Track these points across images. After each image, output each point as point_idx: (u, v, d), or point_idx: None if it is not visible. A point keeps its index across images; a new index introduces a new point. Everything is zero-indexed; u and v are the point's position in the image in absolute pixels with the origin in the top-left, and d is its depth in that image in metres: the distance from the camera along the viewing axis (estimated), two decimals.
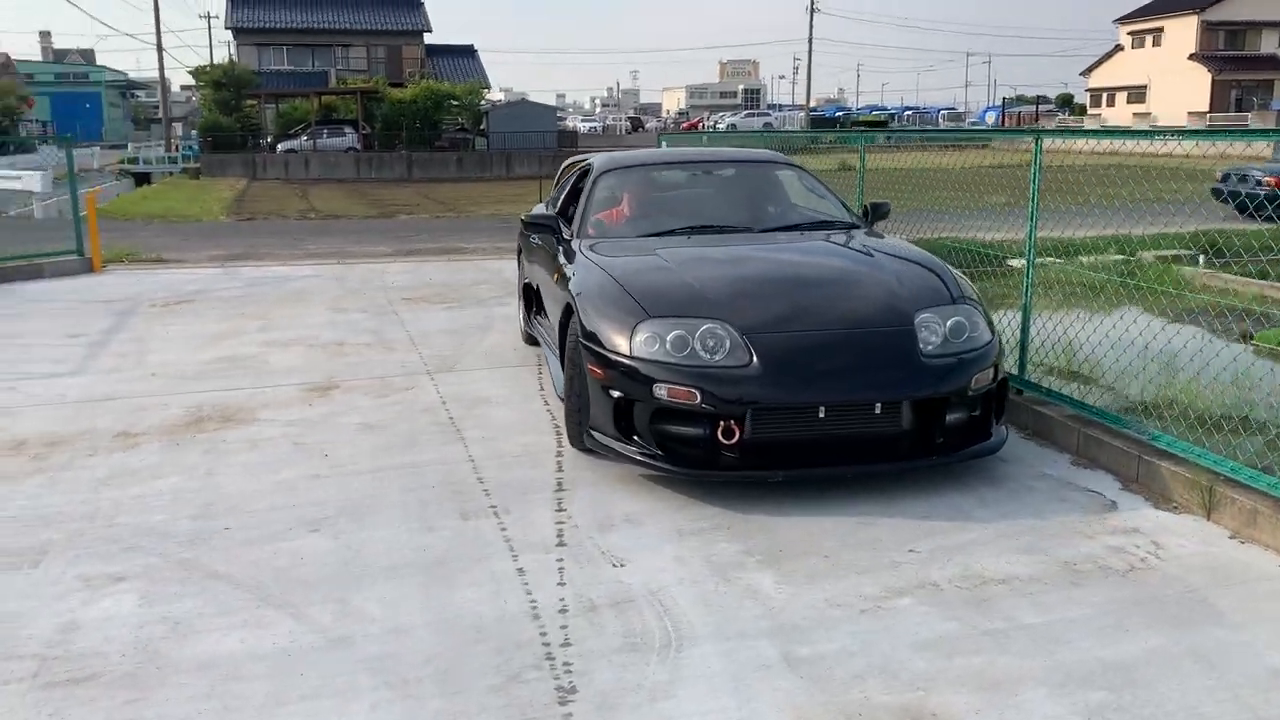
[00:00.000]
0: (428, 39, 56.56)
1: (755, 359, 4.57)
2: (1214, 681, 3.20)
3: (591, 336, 4.94)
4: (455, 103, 47.19)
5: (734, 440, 4.51)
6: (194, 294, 10.74)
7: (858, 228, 6.26)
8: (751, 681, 3.22)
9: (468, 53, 58.12)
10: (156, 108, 72.51)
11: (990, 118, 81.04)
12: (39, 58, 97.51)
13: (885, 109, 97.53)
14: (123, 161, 44.82)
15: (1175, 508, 4.56)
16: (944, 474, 4.92)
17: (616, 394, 4.73)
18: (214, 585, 3.93)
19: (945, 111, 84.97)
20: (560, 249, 6.16)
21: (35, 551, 4.26)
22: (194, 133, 52.14)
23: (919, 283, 5.17)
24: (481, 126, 47.93)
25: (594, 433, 4.92)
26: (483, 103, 49.89)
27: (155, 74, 55.84)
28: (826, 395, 4.56)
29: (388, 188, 36.71)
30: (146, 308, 9.97)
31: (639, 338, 4.70)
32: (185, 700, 3.15)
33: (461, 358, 7.66)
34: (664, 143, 13.84)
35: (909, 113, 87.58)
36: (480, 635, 3.52)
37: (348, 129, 45.70)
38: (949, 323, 4.83)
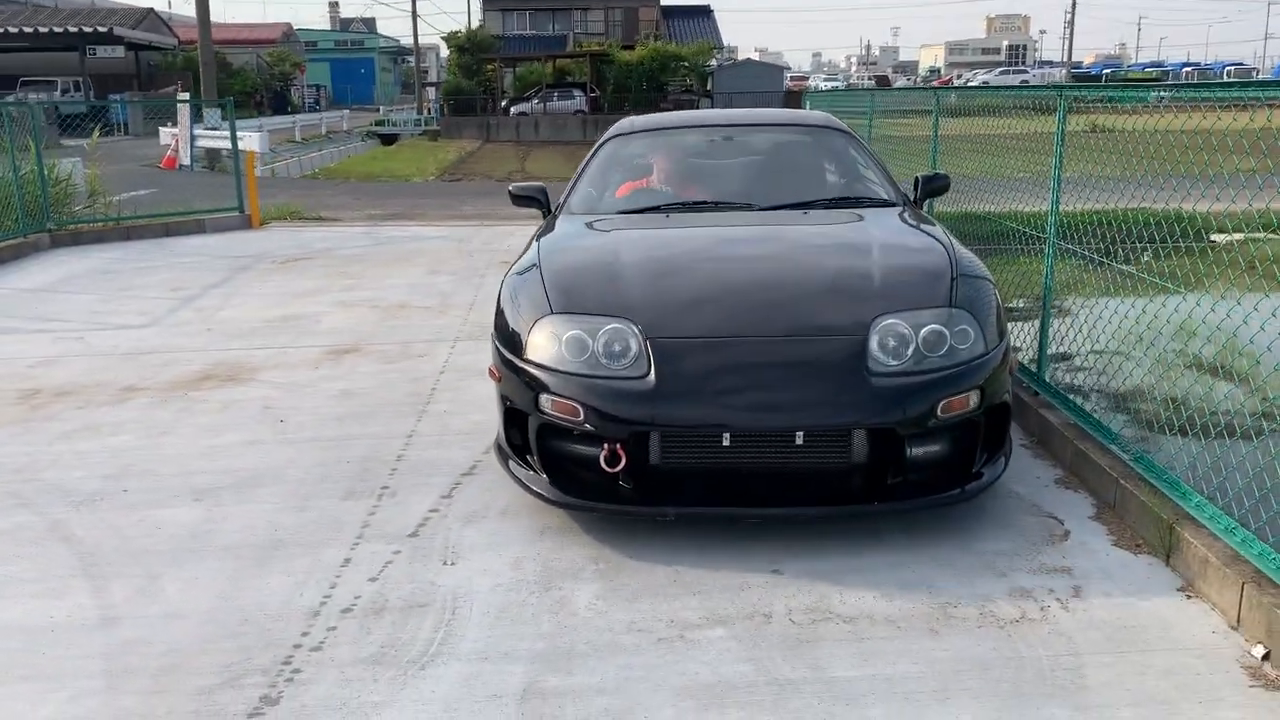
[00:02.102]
0: (665, 1, 56.66)
1: (652, 370, 3.76)
2: None
3: (499, 331, 4.26)
4: (683, 64, 47.04)
5: (619, 468, 3.74)
6: (317, 252, 11.13)
7: (892, 205, 5.24)
8: (461, 714, 2.86)
9: (703, 13, 57.81)
10: (425, 72, 77.02)
11: None
12: (328, 26, 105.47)
13: (1163, 65, 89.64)
14: (374, 124, 47.57)
15: (1138, 546, 3.76)
16: None
17: (509, 403, 4.08)
18: (56, 550, 3.94)
19: (1231, 67, 76.93)
20: (543, 224, 5.46)
21: None
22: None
23: (906, 279, 4.14)
24: (708, 87, 47.59)
25: (498, 445, 4.30)
26: (711, 63, 49.50)
27: (425, 40, 59.00)
28: (733, 418, 3.73)
29: None
30: (265, 264, 10.41)
31: (536, 337, 3.98)
32: None
33: None
34: (808, 104, 13.08)
35: (1187, 69, 79.95)
36: (242, 629, 3.33)
37: (576, 91, 46.54)
38: (924, 331, 3.81)
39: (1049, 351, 5.06)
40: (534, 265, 4.46)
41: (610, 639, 3.23)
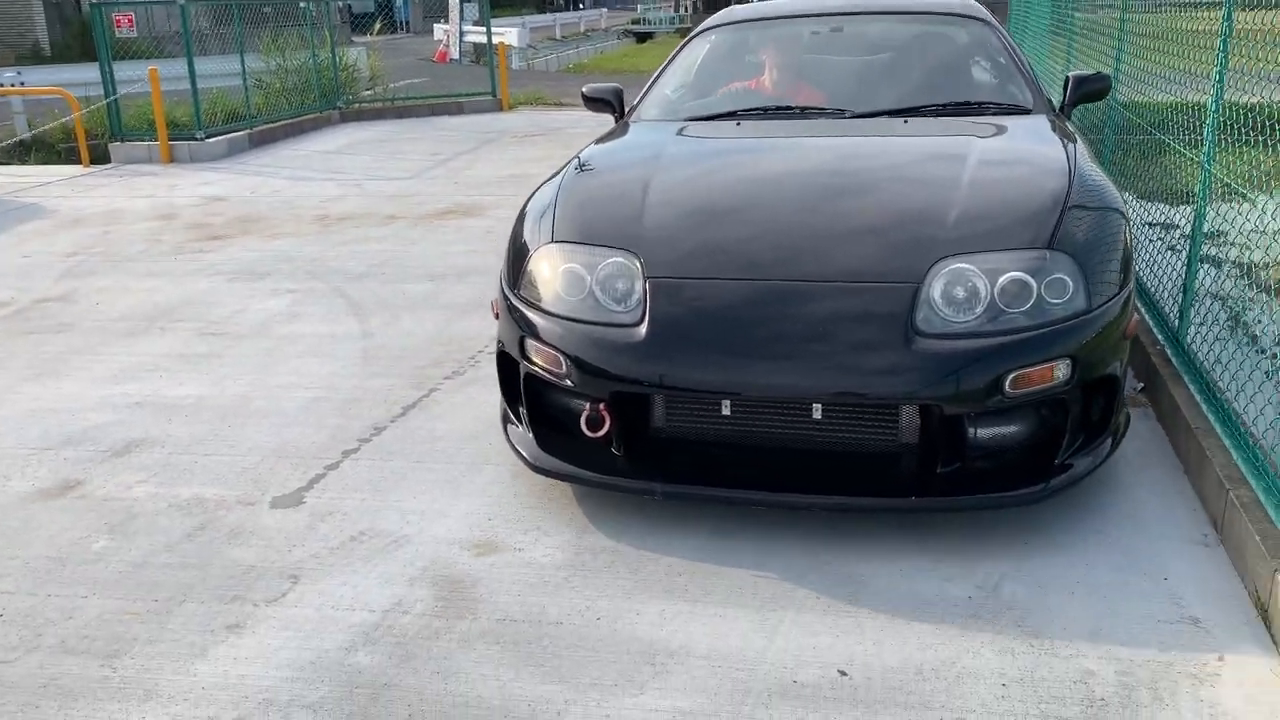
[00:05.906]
0: None
1: (645, 316, 3.15)
2: None
3: (507, 258, 3.64)
4: None
5: (601, 433, 3.21)
6: (549, 130, 12.90)
7: (1024, 112, 4.29)
8: None
9: None
10: None
11: None
12: None
13: None
14: (631, 22, 49.38)
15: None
16: None
17: (501, 346, 3.52)
18: (336, 300, 5.81)
19: None
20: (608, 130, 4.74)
21: (263, 274, 6.44)
22: None
23: (995, 211, 3.28)
24: None
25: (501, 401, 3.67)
26: None
27: None
28: (734, 381, 3.05)
29: None
30: (506, 138, 12.28)
31: (533, 268, 3.41)
32: (251, 346, 5.06)
33: None
34: None
35: None
36: (448, 344, 5.05)
37: None
38: (1003, 280, 3.02)
39: None
40: (554, 182, 3.87)
41: None
